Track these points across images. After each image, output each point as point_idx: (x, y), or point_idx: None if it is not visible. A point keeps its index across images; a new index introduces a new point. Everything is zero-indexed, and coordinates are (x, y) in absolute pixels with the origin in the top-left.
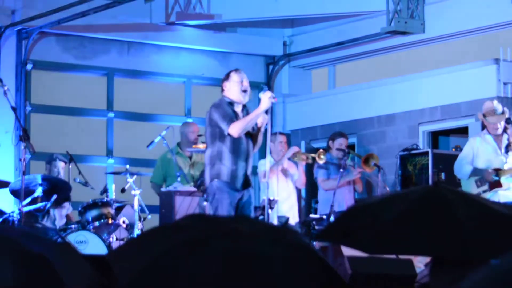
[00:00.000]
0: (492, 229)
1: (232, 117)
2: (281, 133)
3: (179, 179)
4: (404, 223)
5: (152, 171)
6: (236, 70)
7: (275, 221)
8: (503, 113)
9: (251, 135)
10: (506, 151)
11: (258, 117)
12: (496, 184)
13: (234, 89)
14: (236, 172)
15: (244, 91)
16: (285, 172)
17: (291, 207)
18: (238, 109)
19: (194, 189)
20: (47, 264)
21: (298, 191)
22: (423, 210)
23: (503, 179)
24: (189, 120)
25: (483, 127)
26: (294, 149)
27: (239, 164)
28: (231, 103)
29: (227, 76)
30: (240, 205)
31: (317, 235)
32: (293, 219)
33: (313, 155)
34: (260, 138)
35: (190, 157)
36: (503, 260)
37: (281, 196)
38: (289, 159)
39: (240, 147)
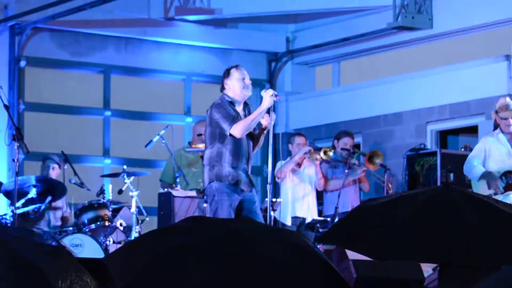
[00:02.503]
0: (503, 233)
1: (234, 117)
2: (300, 134)
3: (178, 180)
4: (412, 228)
5: (151, 171)
6: (237, 66)
7: (288, 222)
8: None
9: (252, 136)
10: None
11: (261, 116)
12: (509, 187)
13: (236, 87)
14: (236, 174)
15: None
16: (301, 173)
17: (308, 208)
18: (240, 108)
19: (193, 193)
20: (38, 272)
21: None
22: (431, 214)
23: None
24: (189, 119)
25: (496, 126)
26: (307, 148)
27: (240, 166)
28: (232, 103)
29: (227, 73)
30: (244, 206)
31: (320, 238)
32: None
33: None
34: (261, 139)
35: (202, 156)
36: None
37: (297, 197)
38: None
39: (241, 148)
